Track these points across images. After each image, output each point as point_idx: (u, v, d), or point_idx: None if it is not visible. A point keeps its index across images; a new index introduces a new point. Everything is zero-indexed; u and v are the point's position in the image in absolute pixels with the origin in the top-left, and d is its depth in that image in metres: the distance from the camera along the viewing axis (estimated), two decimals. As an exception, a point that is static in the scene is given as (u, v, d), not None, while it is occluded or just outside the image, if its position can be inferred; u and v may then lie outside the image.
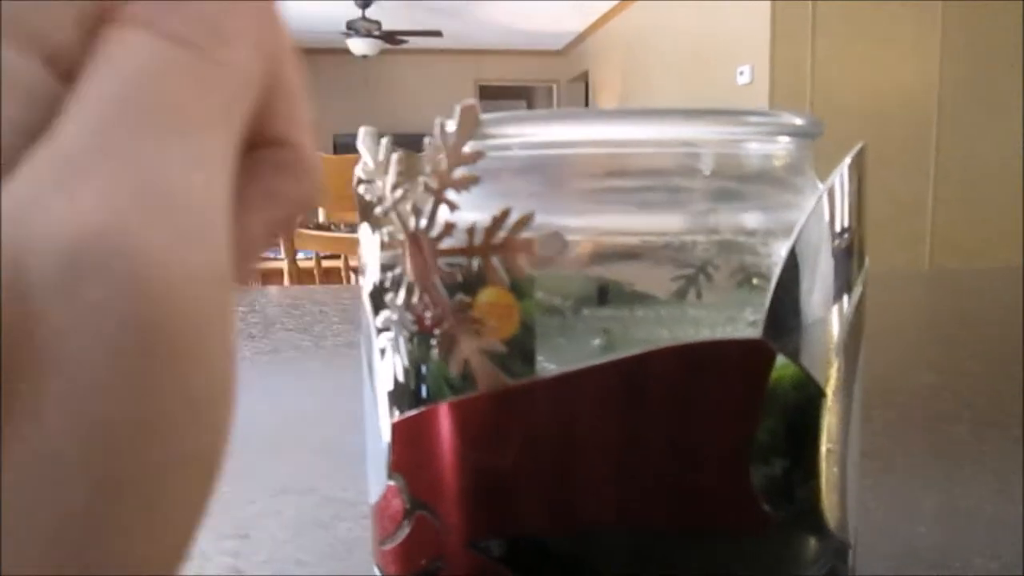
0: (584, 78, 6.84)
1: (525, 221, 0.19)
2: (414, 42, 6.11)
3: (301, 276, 2.00)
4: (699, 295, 0.22)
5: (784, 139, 0.22)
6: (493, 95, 7.43)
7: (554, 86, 7.84)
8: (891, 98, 3.10)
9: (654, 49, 4.86)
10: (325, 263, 2.16)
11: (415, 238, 0.20)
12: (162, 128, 0.11)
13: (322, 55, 6.60)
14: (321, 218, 2.71)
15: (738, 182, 0.22)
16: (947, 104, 3.11)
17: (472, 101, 0.20)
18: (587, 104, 6.52)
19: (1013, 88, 3.06)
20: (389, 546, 0.24)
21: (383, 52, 6.21)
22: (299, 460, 0.39)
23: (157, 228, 0.10)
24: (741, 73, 3.60)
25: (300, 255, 2.05)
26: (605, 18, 5.89)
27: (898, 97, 3.11)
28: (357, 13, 5.51)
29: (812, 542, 0.22)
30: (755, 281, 0.22)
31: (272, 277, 2.32)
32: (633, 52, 5.35)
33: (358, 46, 5.76)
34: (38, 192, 0.10)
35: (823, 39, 3.16)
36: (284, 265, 1.97)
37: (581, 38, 6.77)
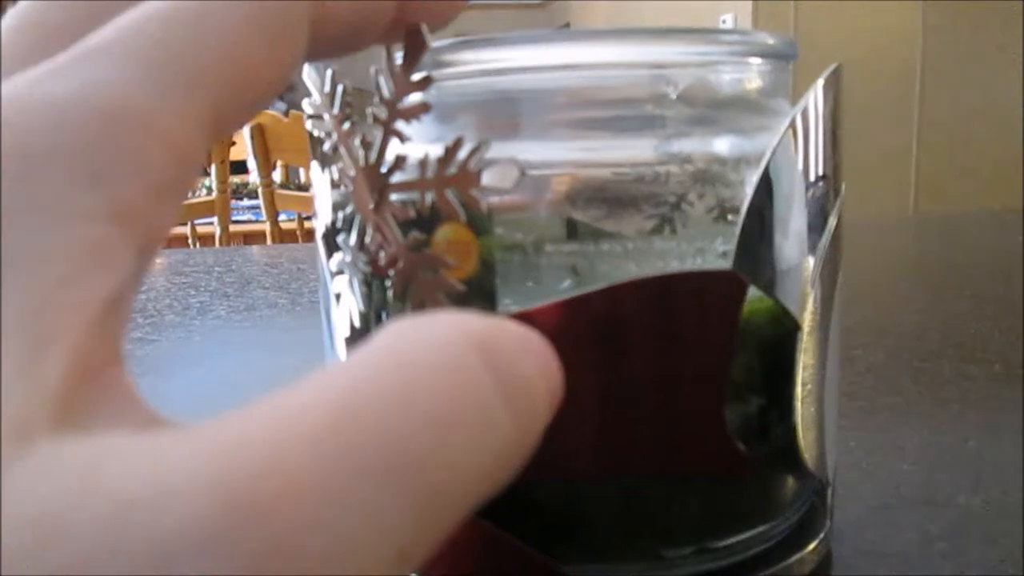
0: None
1: (480, 150, 0.18)
2: (392, -2, 5.98)
3: (284, 238, 1.97)
4: (673, 231, 0.21)
5: (757, 60, 0.21)
6: (475, 51, 7.31)
7: (536, 40, 7.72)
8: (875, 46, 3.07)
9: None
10: (307, 224, 2.14)
11: (365, 173, 0.19)
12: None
13: (299, 13, 6.47)
14: (303, 179, 2.68)
15: (711, 107, 0.21)
16: (931, 52, 3.08)
17: (419, 24, 0.18)
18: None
19: (996, 35, 3.03)
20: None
21: (361, 9, 6.07)
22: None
23: None
24: (724, 21, 3.55)
25: (282, 217, 2.03)
26: (586, -31, 5.79)
27: (882, 45, 3.08)
28: None
29: (790, 481, 0.21)
30: (730, 217, 0.21)
31: (254, 239, 2.30)
32: (614, 3, 5.27)
33: (335, 3, 5.65)
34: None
35: (806, -15, 3.12)
36: (266, 227, 1.94)
37: (562, -10, 6.66)
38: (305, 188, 2.55)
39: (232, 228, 2.02)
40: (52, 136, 0.10)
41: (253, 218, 2.46)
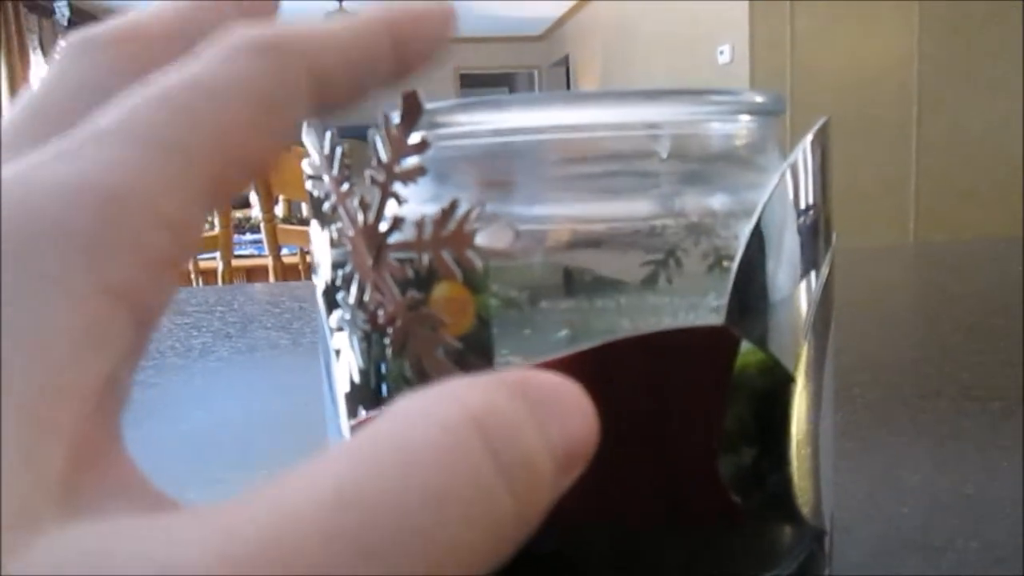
0: (565, 62, 6.82)
1: (474, 212, 0.18)
2: (393, 32, 6.07)
3: (286, 272, 1.98)
4: (669, 281, 0.22)
5: (746, 118, 0.21)
6: (475, 83, 7.40)
7: (535, 72, 7.82)
8: (871, 73, 3.10)
9: (634, 30, 4.84)
10: (310, 258, 2.14)
11: (363, 233, 0.19)
12: None
13: (301, 48, 6.54)
14: (305, 213, 2.70)
15: (701, 163, 0.22)
16: (928, 77, 3.11)
17: (414, 88, 0.19)
18: (568, 88, 6.49)
19: (992, 60, 3.06)
20: (355, 551, 0.23)
21: (362, 43, 6.15)
22: (268, 462, 0.38)
23: None
24: (721, 53, 3.59)
25: (284, 251, 2.04)
26: (583, 1, 5.87)
27: (878, 72, 3.11)
28: (335, 4, 5.49)
29: (786, 531, 0.22)
30: (724, 264, 0.21)
31: (257, 273, 2.31)
32: (613, 34, 5.33)
33: (337, 38, 5.72)
34: None
35: (802, 16, 3.15)
36: (269, 261, 1.95)
37: (560, 22, 6.74)
38: (307, 222, 2.55)
39: (234, 262, 2.03)
40: (55, 217, 0.11)
41: (255, 252, 2.47)
